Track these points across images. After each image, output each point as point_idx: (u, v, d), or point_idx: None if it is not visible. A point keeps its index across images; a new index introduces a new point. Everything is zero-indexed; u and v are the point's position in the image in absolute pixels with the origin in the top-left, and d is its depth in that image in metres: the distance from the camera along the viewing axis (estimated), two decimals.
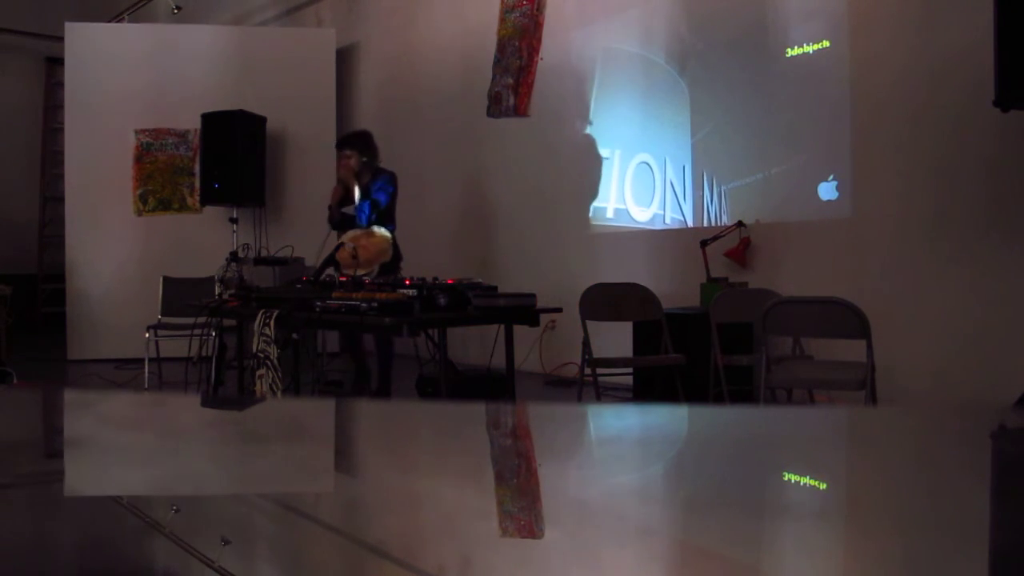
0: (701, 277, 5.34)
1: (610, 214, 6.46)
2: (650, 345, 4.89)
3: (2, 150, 10.41)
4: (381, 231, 4.91)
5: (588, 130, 6.60)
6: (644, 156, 6.20)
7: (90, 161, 8.09)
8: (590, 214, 6.61)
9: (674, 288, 5.53)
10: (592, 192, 6.59)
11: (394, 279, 4.28)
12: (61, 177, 8.58)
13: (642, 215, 6.24)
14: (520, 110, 7.04)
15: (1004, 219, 4.35)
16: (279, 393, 4.16)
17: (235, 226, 7.69)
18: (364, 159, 5.54)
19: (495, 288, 4.23)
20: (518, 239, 7.03)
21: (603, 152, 6.52)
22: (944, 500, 0.66)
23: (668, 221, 6.06)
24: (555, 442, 0.93)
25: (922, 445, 0.88)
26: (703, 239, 5.34)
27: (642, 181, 6.23)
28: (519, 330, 4.36)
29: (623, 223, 6.36)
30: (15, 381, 5.17)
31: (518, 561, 0.54)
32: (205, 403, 1.77)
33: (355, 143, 5.64)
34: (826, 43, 5.07)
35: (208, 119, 7.61)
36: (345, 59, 8.80)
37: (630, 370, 5.24)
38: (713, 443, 0.91)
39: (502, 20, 7.12)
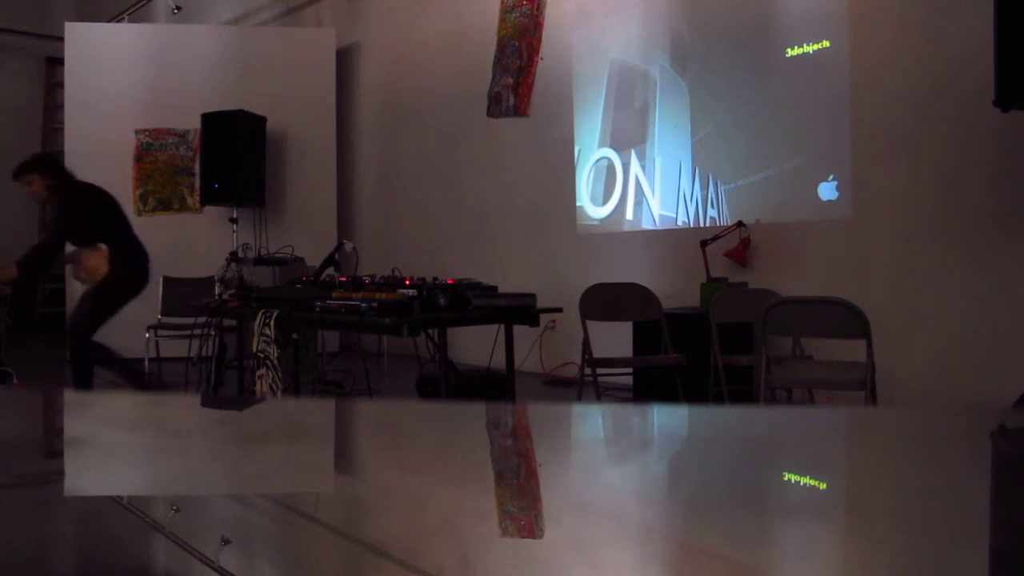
0: (701, 277, 5.34)
1: (611, 214, 6.46)
2: (650, 345, 4.89)
3: (2, 150, 10.39)
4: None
5: (588, 130, 6.60)
6: (644, 156, 6.20)
7: (90, 161, 8.05)
8: (591, 214, 6.61)
9: (674, 288, 5.54)
10: (592, 192, 6.59)
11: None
12: None
13: (644, 215, 6.24)
14: (520, 110, 7.04)
15: (1004, 219, 4.35)
16: (279, 393, 4.16)
17: (235, 226, 7.69)
18: (49, 182, 4.78)
19: (495, 288, 4.23)
20: (518, 238, 7.04)
21: (603, 152, 6.52)
22: (944, 500, 0.66)
23: (669, 221, 6.06)
24: (555, 442, 0.93)
25: (922, 445, 0.88)
26: (703, 239, 5.34)
27: (642, 181, 6.22)
28: (519, 330, 4.36)
29: (625, 223, 6.36)
30: (15, 381, 5.17)
31: (518, 561, 0.54)
32: (205, 403, 1.77)
33: (33, 167, 4.82)
34: (826, 43, 5.07)
35: (208, 119, 7.62)
36: (345, 59, 8.80)
37: (630, 370, 5.24)
38: (713, 443, 0.91)
39: (502, 20, 7.12)
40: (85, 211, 4.80)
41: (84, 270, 4.62)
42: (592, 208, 6.60)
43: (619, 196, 6.40)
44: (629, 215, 6.33)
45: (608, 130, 6.47)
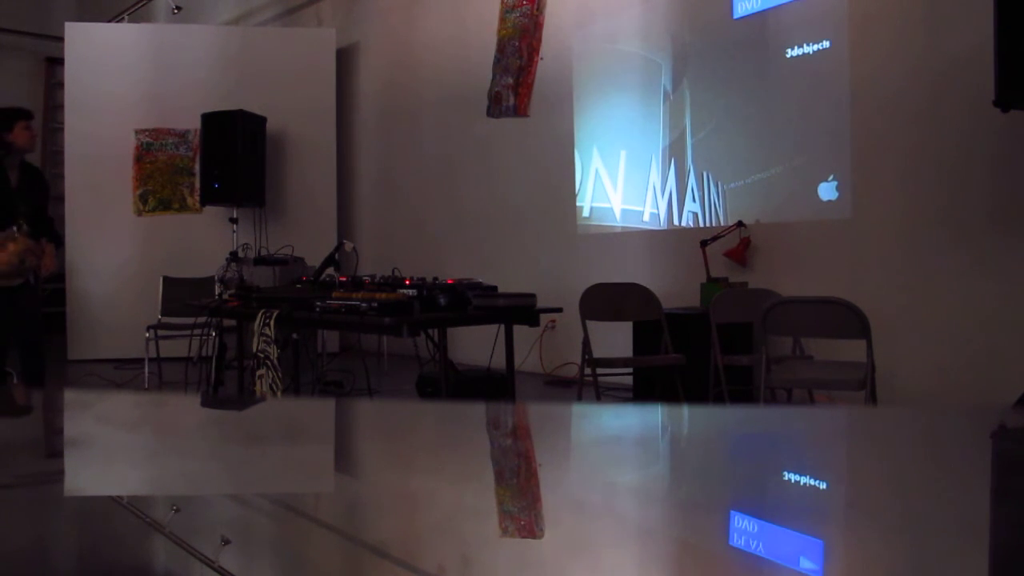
0: (701, 277, 5.34)
1: (611, 214, 6.47)
2: (650, 345, 4.89)
3: None
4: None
5: (588, 130, 6.60)
6: (644, 156, 6.20)
7: (90, 161, 8.09)
8: (591, 214, 6.62)
9: (674, 288, 5.54)
10: (592, 192, 6.59)
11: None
12: (61, 177, 8.59)
13: (643, 215, 6.24)
14: (520, 110, 7.04)
15: (1004, 219, 4.35)
16: (279, 393, 4.16)
17: (235, 226, 7.69)
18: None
19: (495, 288, 4.23)
20: (518, 238, 7.04)
21: (603, 152, 6.52)
22: (944, 500, 0.66)
23: (668, 221, 6.06)
24: (555, 442, 0.93)
25: (922, 445, 0.88)
26: (703, 239, 5.34)
27: (643, 181, 6.23)
28: (519, 330, 4.36)
29: (623, 223, 6.36)
30: (15, 381, 5.17)
31: (518, 561, 0.54)
32: (205, 403, 1.77)
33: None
34: (826, 43, 5.07)
35: (208, 119, 7.61)
36: (345, 59, 8.80)
37: (630, 370, 5.24)
38: (713, 443, 0.91)
39: (502, 20, 7.13)
40: None
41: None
42: (592, 208, 6.60)
43: (620, 196, 6.40)
44: (629, 215, 6.33)
45: (608, 130, 6.46)
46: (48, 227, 4.37)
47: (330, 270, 4.73)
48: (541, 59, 6.89)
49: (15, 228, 4.05)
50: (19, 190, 4.19)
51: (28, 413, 1.11)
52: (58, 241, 4.48)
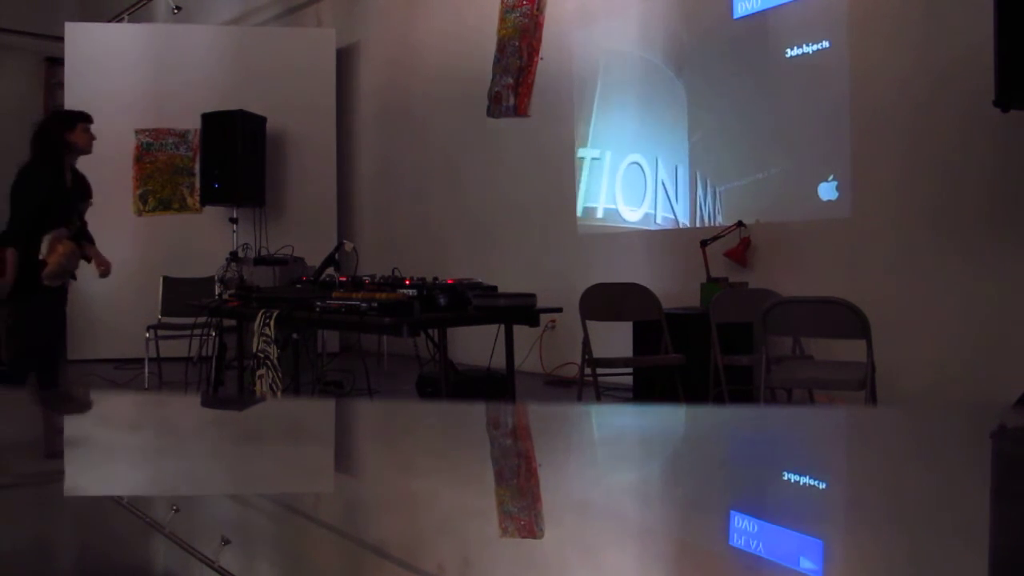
0: (701, 277, 5.34)
1: (611, 214, 6.47)
2: (650, 345, 4.89)
3: (2, 150, 10.39)
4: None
5: (588, 130, 6.60)
6: (643, 157, 6.20)
7: (90, 161, 8.05)
8: (591, 214, 6.62)
9: (674, 288, 5.53)
10: (592, 192, 6.59)
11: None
12: None
13: (641, 215, 6.24)
14: (520, 110, 7.04)
15: (1004, 219, 4.35)
16: (279, 393, 4.16)
17: (235, 226, 7.70)
18: None
19: (495, 288, 4.23)
20: (518, 238, 7.03)
21: (603, 152, 6.52)
22: (944, 500, 0.66)
23: (667, 221, 6.06)
24: (555, 442, 0.93)
25: (922, 445, 0.88)
26: (703, 239, 5.34)
27: (642, 181, 6.23)
28: (519, 330, 4.36)
29: (623, 223, 6.36)
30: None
31: (518, 561, 0.54)
32: (205, 403, 1.77)
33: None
34: (826, 43, 5.07)
35: (208, 119, 7.62)
36: (345, 59, 8.80)
37: (630, 370, 5.24)
38: (713, 443, 0.91)
39: (502, 20, 7.12)
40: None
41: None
42: (592, 208, 6.60)
43: (620, 196, 6.40)
44: (629, 215, 6.33)
45: (608, 130, 6.46)
46: (84, 230, 4.45)
47: (330, 270, 4.73)
48: (541, 59, 6.89)
49: (65, 230, 4.09)
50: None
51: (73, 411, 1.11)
52: (92, 244, 4.56)
